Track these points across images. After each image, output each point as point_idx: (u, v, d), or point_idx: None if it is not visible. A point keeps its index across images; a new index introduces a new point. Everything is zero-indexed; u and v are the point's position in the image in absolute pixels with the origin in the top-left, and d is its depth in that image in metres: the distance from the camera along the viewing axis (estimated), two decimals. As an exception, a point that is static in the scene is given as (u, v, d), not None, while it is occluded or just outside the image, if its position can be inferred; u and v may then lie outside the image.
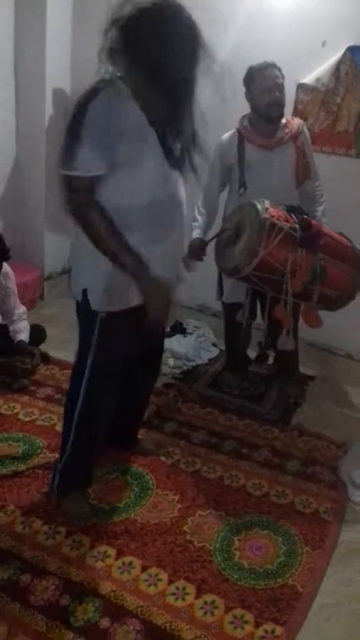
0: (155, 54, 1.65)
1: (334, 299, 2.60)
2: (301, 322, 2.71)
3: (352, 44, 2.89)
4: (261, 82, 2.58)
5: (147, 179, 1.78)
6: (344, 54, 2.91)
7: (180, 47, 1.66)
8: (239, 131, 2.74)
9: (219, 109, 2.98)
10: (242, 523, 2.21)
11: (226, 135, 2.78)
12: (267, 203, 2.44)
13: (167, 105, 1.74)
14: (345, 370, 3.37)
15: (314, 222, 2.49)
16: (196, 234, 2.83)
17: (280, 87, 2.63)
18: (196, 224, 2.84)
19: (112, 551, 2.03)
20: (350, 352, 3.41)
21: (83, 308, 1.95)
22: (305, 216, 2.50)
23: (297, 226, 2.42)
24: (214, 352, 3.56)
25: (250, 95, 2.66)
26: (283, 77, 2.62)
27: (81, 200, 1.73)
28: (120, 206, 1.77)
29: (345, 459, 2.59)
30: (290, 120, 2.74)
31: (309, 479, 2.48)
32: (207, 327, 3.76)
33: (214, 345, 3.62)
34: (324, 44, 2.94)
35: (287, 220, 2.43)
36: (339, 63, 2.92)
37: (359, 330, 3.20)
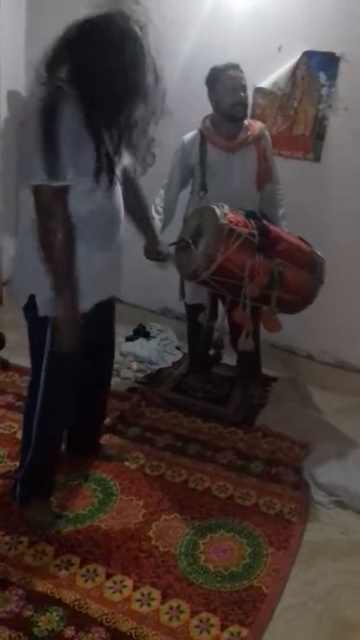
0: (96, 66, 1.66)
1: (292, 303, 2.62)
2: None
3: (307, 49, 2.94)
4: (226, 82, 2.59)
5: (88, 189, 1.77)
6: (300, 59, 2.95)
7: (122, 57, 1.66)
8: (201, 132, 2.74)
9: (177, 111, 2.98)
10: (207, 526, 2.21)
11: (188, 136, 2.77)
12: (226, 208, 2.45)
13: (111, 113, 1.75)
14: (307, 371, 3.41)
15: (272, 227, 2.52)
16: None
17: (244, 88, 2.65)
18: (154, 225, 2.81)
19: (76, 559, 2.00)
20: (312, 353, 3.46)
21: (31, 314, 1.92)
22: (264, 221, 2.52)
23: (255, 232, 2.44)
24: (178, 355, 3.56)
25: (214, 95, 2.66)
26: (245, 79, 2.64)
27: (46, 212, 1.70)
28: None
29: (309, 459, 2.62)
30: (252, 123, 2.75)
31: (273, 480, 2.50)
32: (171, 331, 3.75)
33: (178, 348, 3.62)
34: (280, 49, 2.98)
35: (245, 226, 2.44)
36: (295, 68, 2.96)
37: (320, 331, 3.25)
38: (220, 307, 2.89)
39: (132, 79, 1.70)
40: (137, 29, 1.70)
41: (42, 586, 1.88)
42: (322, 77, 2.95)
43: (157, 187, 2.82)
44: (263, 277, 2.44)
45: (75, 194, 1.74)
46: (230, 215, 2.43)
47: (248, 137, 2.70)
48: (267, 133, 2.81)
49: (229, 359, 3.26)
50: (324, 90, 2.96)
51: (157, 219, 2.82)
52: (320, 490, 2.45)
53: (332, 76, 2.93)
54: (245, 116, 2.69)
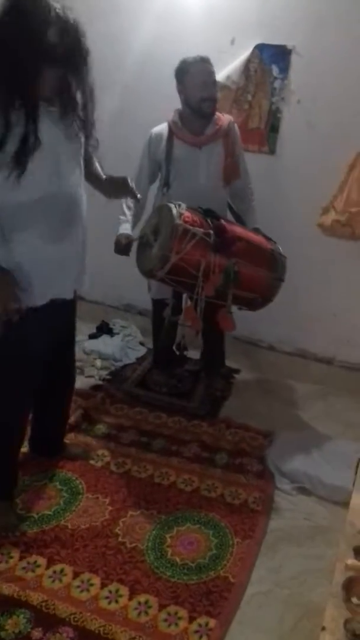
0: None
1: (251, 301, 2.64)
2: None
3: (259, 42, 2.95)
4: (196, 76, 2.54)
5: (37, 173, 1.73)
6: (252, 52, 2.96)
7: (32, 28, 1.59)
8: (169, 126, 2.69)
9: (131, 105, 2.98)
10: (173, 520, 2.23)
11: (156, 129, 2.72)
12: (183, 207, 2.43)
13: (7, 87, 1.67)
14: (268, 362, 3.45)
15: (228, 227, 2.51)
16: (123, 228, 2.77)
17: (215, 83, 2.62)
18: (123, 217, 2.79)
19: (42, 560, 1.99)
20: (273, 344, 3.50)
21: None
22: (221, 220, 2.52)
23: (211, 231, 2.43)
24: (142, 350, 3.56)
25: (183, 89, 2.60)
26: (215, 73, 2.61)
27: None
28: (5, 202, 1.74)
29: (272, 448, 2.66)
30: (220, 117, 2.70)
31: (237, 471, 2.53)
32: (134, 326, 3.75)
33: (141, 344, 3.63)
34: (233, 42, 2.98)
35: (202, 225, 2.44)
36: (248, 61, 2.97)
37: (280, 323, 3.29)
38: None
39: (19, 46, 1.60)
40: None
41: (8, 589, 1.87)
42: (275, 70, 2.96)
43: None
44: (218, 276, 2.44)
45: (7, 182, 1.70)
46: (187, 215, 2.42)
47: (216, 132, 2.66)
48: (235, 127, 2.78)
49: (192, 352, 3.28)
50: (277, 83, 2.98)
51: (127, 214, 2.79)
52: (283, 478, 2.49)
53: (284, 69, 2.94)
54: (214, 112, 2.64)
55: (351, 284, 3.17)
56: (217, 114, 2.70)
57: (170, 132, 2.68)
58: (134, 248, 2.67)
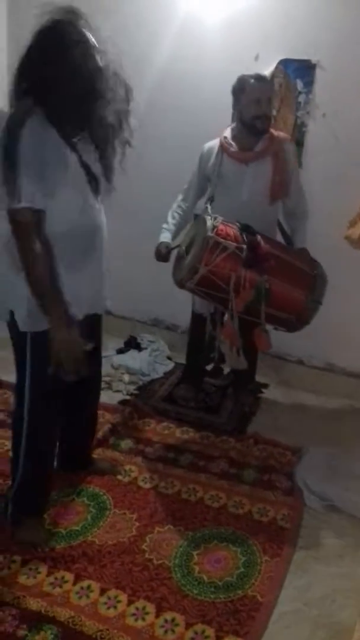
0: (54, 76, 1.67)
1: (285, 321, 2.61)
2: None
3: (283, 57, 2.97)
4: (251, 93, 2.55)
5: (66, 206, 1.78)
6: (277, 67, 2.98)
7: (65, 63, 1.67)
8: (220, 141, 2.72)
9: (151, 121, 3.00)
10: (200, 537, 2.22)
11: (209, 144, 2.77)
12: (218, 220, 2.45)
13: (80, 123, 1.78)
14: (297, 377, 3.42)
15: (263, 244, 2.49)
16: (163, 237, 2.84)
17: (270, 101, 2.64)
18: (166, 226, 2.86)
19: (69, 576, 2.00)
20: (302, 358, 3.47)
21: (13, 330, 1.94)
22: (257, 236, 2.50)
23: (244, 246, 2.43)
24: (169, 365, 3.57)
25: (238, 105, 2.62)
26: (273, 91, 2.64)
27: (26, 234, 1.71)
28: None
29: (301, 465, 2.63)
30: (275, 135, 2.70)
31: (265, 487, 2.50)
32: (162, 341, 3.77)
33: (169, 358, 3.64)
34: (257, 58, 3.00)
35: (236, 240, 2.44)
36: (273, 76, 2.98)
37: (309, 337, 3.24)
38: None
39: (82, 82, 1.69)
40: (83, 32, 1.70)
41: (36, 605, 1.88)
42: (299, 84, 2.97)
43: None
44: (249, 292, 2.44)
45: (51, 212, 1.74)
46: (221, 228, 2.43)
47: (265, 149, 2.66)
48: (291, 146, 2.78)
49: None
50: (302, 98, 2.99)
51: (170, 224, 2.85)
52: (313, 496, 2.46)
53: (309, 83, 2.96)
54: (267, 130, 2.65)
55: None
56: (272, 131, 2.71)
57: (221, 148, 2.72)
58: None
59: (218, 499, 2.42)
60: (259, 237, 2.51)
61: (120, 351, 3.65)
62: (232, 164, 2.69)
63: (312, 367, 3.45)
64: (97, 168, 1.88)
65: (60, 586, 1.96)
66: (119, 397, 3.20)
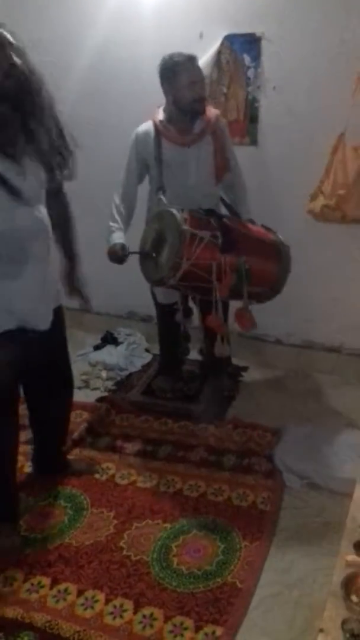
0: None
1: (260, 295, 2.62)
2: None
3: (228, 32, 2.91)
4: (186, 76, 2.48)
5: None
6: (222, 44, 2.93)
7: None
8: (154, 125, 2.64)
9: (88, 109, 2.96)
10: (179, 528, 2.21)
11: (142, 128, 2.67)
12: (185, 212, 2.41)
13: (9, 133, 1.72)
14: (276, 356, 3.41)
15: (232, 225, 2.49)
16: (116, 237, 2.72)
17: (204, 81, 2.58)
18: (115, 225, 2.74)
19: (46, 580, 2.00)
20: (280, 338, 3.45)
21: None
22: (224, 219, 2.49)
23: (217, 233, 2.42)
24: (147, 357, 3.56)
25: (171, 89, 2.53)
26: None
27: None
28: None
29: (280, 446, 2.62)
30: (207, 112, 2.64)
31: (245, 472, 2.50)
32: (139, 334, 3.75)
33: (147, 350, 3.63)
34: (201, 36, 2.95)
35: (207, 227, 2.42)
36: (219, 53, 2.94)
37: (285, 315, 3.24)
38: (191, 304, 2.90)
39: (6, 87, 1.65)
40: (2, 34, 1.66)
41: (13, 612, 1.88)
42: (247, 58, 2.92)
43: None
44: (230, 276, 2.43)
45: None
46: (190, 219, 2.40)
47: (204, 129, 2.62)
48: (223, 120, 2.75)
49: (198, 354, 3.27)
50: (250, 72, 2.94)
51: (119, 221, 2.74)
52: (292, 475, 2.45)
53: (256, 57, 2.90)
54: (204, 111, 2.60)
55: (347, 267, 3.11)
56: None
57: (157, 132, 2.63)
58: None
59: (197, 488, 2.41)
60: (226, 220, 2.49)
61: (97, 347, 3.64)
62: (173, 148, 2.63)
63: (290, 346, 3.43)
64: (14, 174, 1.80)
65: (37, 591, 1.96)
66: (97, 394, 3.19)
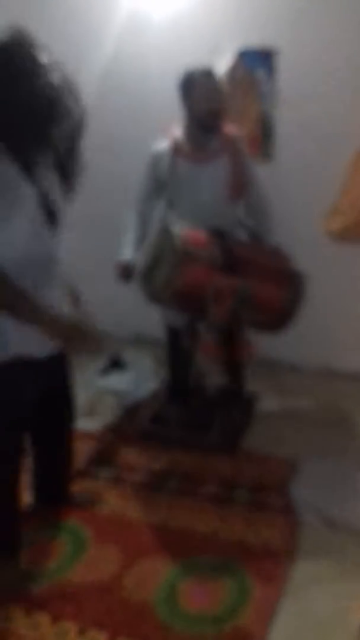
0: (6, 103, 1.70)
1: (269, 323, 2.63)
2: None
3: (241, 47, 2.98)
4: (203, 89, 2.56)
5: (18, 234, 1.79)
6: (235, 58, 3.00)
7: (17, 88, 1.70)
8: (171, 142, 2.71)
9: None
10: (187, 567, 2.19)
11: (158, 147, 2.75)
12: (187, 230, 2.44)
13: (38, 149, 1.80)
14: (292, 382, 3.41)
15: (237, 248, 2.51)
16: (126, 253, 2.79)
17: (222, 95, 2.64)
18: (126, 240, 2.81)
19: (46, 618, 1.98)
20: (295, 363, 3.45)
21: None
22: (229, 241, 2.51)
23: (218, 254, 2.44)
24: (156, 383, 3.56)
25: (188, 102, 2.61)
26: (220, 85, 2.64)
27: None
28: None
29: (297, 480, 2.60)
30: (226, 131, 2.69)
31: (258, 508, 2.48)
32: (147, 358, 3.77)
33: (155, 374, 3.63)
34: (213, 51, 3.01)
35: (207, 246, 2.45)
36: (232, 68, 3.00)
37: (301, 340, 3.24)
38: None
39: (37, 107, 1.73)
40: (33, 53, 1.72)
41: (10, 652, 1.87)
42: (260, 73, 2.99)
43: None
44: (229, 299, 2.44)
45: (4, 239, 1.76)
46: (191, 236, 2.43)
47: (221, 146, 2.67)
48: (242, 140, 2.79)
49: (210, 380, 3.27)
50: (265, 87, 3.00)
51: (132, 238, 2.82)
52: (310, 512, 2.43)
53: (270, 71, 2.97)
54: (220, 125, 2.66)
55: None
56: (224, 128, 2.71)
57: (173, 149, 2.70)
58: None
59: (207, 525, 2.39)
60: (230, 241, 2.51)
61: (103, 372, 3.65)
62: (187, 165, 2.68)
63: (306, 372, 3.42)
64: (55, 195, 1.89)
65: (37, 629, 1.94)
66: (103, 421, 3.19)
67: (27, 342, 1.93)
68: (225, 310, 2.45)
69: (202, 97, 2.56)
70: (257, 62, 2.97)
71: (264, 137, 3.07)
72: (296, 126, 3.00)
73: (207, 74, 2.57)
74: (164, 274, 2.42)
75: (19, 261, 1.80)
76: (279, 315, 2.62)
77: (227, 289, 2.43)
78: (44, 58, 1.73)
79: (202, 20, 3.02)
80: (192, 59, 2.77)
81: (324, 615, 1.99)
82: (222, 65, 3.00)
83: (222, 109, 2.66)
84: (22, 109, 1.71)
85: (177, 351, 3.01)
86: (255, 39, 2.95)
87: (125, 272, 2.76)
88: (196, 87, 2.56)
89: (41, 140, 1.80)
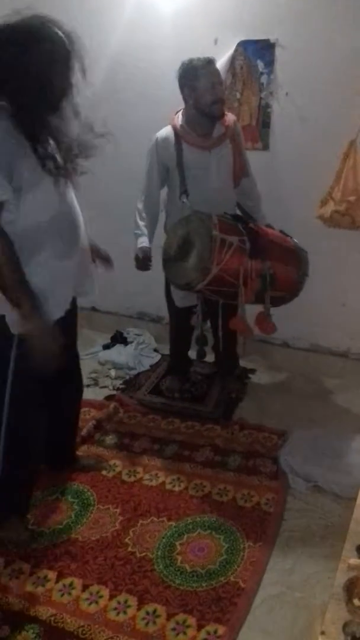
0: (13, 69, 1.65)
1: (280, 299, 2.65)
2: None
3: (242, 38, 2.91)
4: (207, 79, 2.48)
5: (44, 198, 1.78)
6: (236, 49, 2.92)
7: (47, 63, 1.66)
8: (174, 129, 2.63)
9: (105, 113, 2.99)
10: (183, 526, 2.21)
11: (162, 133, 2.66)
12: (214, 218, 2.41)
13: (46, 121, 1.75)
14: (284, 360, 3.39)
15: (260, 230, 2.49)
16: (141, 242, 2.71)
17: (222, 83, 2.59)
18: (139, 231, 2.73)
19: (52, 574, 2.00)
20: (287, 341, 3.43)
21: (2, 332, 1.90)
22: (251, 225, 2.49)
23: (245, 238, 2.42)
24: (156, 357, 3.56)
25: (192, 93, 2.53)
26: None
27: None
28: (24, 228, 1.77)
29: (285, 448, 2.61)
30: (225, 117, 2.64)
31: (250, 473, 2.49)
32: (148, 334, 3.75)
33: (155, 350, 3.62)
34: (216, 42, 2.94)
35: (235, 233, 2.42)
36: (233, 59, 2.93)
37: (292, 319, 3.22)
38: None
39: (52, 77, 1.69)
40: (53, 28, 1.69)
41: (18, 605, 1.88)
42: (260, 64, 2.91)
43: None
44: (256, 281, 2.45)
45: (33, 202, 1.75)
46: (220, 224, 2.40)
47: (224, 133, 2.62)
48: (238, 126, 2.75)
49: (207, 356, 3.26)
50: (264, 78, 2.93)
51: (142, 227, 2.73)
52: (297, 478, 2.44)
53: (270, 63, 2.89)
54: (223, 113, 2.60)
55: (356, 273, 3.09)
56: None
57: (177, 136, 2.62)
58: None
59: (202, 488, 2.41)
60: (252, 225, 2.49)
61: (106, 347, 3.64)
62: (194, 152, 2.62)
63: (297, 349, 3.41)
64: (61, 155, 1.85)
65: (43, 585, 1.96)
66: (106, 392, 3.19)
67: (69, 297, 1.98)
68: (252, 291, 2.46)
69: (207, 87, 2.49)
70: (257, 52, 2.89)
71: (261, 126, 3.01)
72: (292, 117, 2.93)
73: (209, 64, 2.50)
74: (199, 261, 2.37)
75: (49, 225, 1.81)
76: (292, 290, 2.65)
77: (253, 271, 2.43)
78: (61, 31, 1.70)
79: (206, 12, 2.93)
80: (196, 49, 2.71)
81: (309, 574, 2.01)
82: (224, 55, 2.92)
83: (224, 97, 2.61)
84: (40, 79, 1.66)
85: (182, 329, 2.98)
86: (256, 31, 2.86)
87: (142, 261, 2.70)
88: (200, 79, 2.49)
89: (52, 111, 1.75)
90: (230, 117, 2.69)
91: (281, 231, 2.68)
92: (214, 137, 2.62)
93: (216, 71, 2.54)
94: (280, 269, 2.53)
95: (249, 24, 2.88)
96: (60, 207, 1.85)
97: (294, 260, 2.62)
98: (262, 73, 2.93)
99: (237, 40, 2.92)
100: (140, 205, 2.75)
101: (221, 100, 2.55)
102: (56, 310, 1.93)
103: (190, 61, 2.50)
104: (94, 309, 3.86)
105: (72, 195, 1.93)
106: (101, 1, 3.11)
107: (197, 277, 2.39)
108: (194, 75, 2.49)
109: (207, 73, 2.49)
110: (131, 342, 3.66)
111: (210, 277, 2.38)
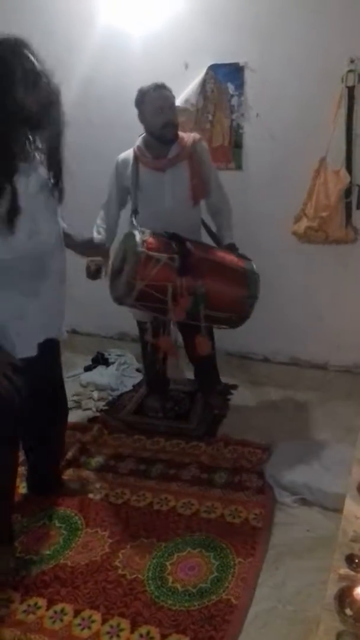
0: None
1: (226, 320, 2.66)
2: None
3: (212, 62, 2.99)
4: (152, 103, 2.54)
5: (18, 231, 1.77)
6: (207, 73, 3.00)
7: (16, 93, 1.67)
8: (134, 152, 2.70)
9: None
10: (173, 546, 2.21)
11: (122, 155, 2.74)
12: (147, 233, 2.46)
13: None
14: (264, 374, 3.43)
15: (193, 249, 2.51)
16: None
17: (173, 107, 2.62)
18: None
19: (42, 602, 1.98)
20: (267, 356, 3.48)
21: None
22: (186, 244, 2.51)
23: (175, 256, 2.45)
24: (138, 377, 3.56)
25: (142, 117, 2.61)
26: (174, 97, 2.64)
27: None
28: None
29: (270, 462, 2.63)
30: (184, 137, 2.69)
31: (237, 489, 2.50)
32: (129, 354, 3.76)
33: (138, 370, 3.63)
34: (186, 66, 3.02)
35: (166, 250, 2.46)
36: (204, 82, 3.01)
37: (271, 334, 3.29)
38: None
39: (26, 113, 1.70)
40: (28, 58, 1.70)
41: (10, 634, 1.86)
42: (231, 87, 2.99)
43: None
44: (187, 299, 2.47)
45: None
46: (150, 240, 2.44)
47: (179, 154, 2.66)
48: (202, 144, 2.77)
49: (189, 373, 3.29)
50: (234, 100, 3.01)
51: (98, 239, 2.72)
52: (283, 491, 2.46)
53: (240, 85, 2.98)
54: (176, 136, 2.65)
55: (331, 287, 3.16)
56: (181, 134, 2.70)
57: (135, 158, 2.70)
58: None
59: (190, 506, 2.41)
60: (188, 244, 2.52)
61: (88, 368, 3.64)
62: (149, 172, 2.68)
63: (277, 363, 3.46)
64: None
65: (34, 613, 1.94)
66: (90, 414, 3.18)
67: (25, 344, 1.93)
68: (183, 308, 2.48)
69: (154, 112, 2.56)
70: (227, 75, 2.97)
71: (234, 147, 3.08)
72: (264, 137, 3.01)
73: (157, 88, 2.56)
74: (125, 276, 2.43)
75: (12, 263, 1.80)
76: (236, 312, 2.64)
77: (184, 289, 2.45)
78: (36, 66, 1.71)
79: (177, 36, 3.01)
80: (166, 73, 2.77)
81: (300, 587, 2.02)
82: (194, 79, 3.00)
83: (176, 120, 2.65)
84: (13, 117, 1.68)
85: (144, 345, 3.01)
86: (226, 55, 2.95)
87: (92, 272, 2.72)
88: (147, 104, 2.56)
89: (24, 145, 1.78)
90: (189, 137, 2.73)
91: (241, 254, 2.71)
92: (169, 158, 2.67)
93: (164, 95, 2.57)
94: (217, 288, 2.54)
95: (218, 48, 2.96)
96: (32, 244, 1.83)
97: (240, 281, 2.60)
98: (232, 95, 3.01)
99: (207, 64, 2.99)
100: (98, 221, 2.86)
101: (171, 124, 2.60)
102: (24, 348, 1.92)
103: (141, 87, 2.59)
104: (74, 331, 3.86)
105: (50, 227, 1.91)
106: (72, 26, 3.16)
107: (125, 292, 2.44)
108: (142, 101, 2.58)
109: (154, 98, 2.55)
110: (113, 363, 3.67)
111: (136, 293, 2.42)
